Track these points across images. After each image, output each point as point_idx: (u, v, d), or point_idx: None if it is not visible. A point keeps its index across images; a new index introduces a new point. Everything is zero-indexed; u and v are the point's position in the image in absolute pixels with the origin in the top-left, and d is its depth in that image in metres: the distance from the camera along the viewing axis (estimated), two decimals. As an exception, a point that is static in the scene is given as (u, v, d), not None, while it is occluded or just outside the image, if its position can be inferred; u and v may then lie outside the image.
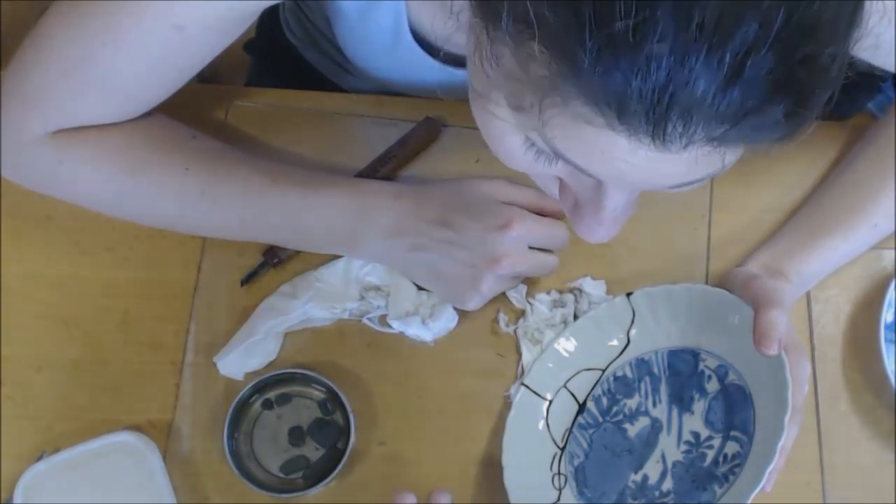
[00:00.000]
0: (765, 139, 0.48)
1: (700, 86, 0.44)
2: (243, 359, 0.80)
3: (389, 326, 0.81)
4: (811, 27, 0.45)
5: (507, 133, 0.55)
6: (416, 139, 0.85)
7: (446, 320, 0.81)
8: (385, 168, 0.84)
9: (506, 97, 0.53)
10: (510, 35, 0.49)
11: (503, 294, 0.81)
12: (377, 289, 0.82)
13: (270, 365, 0.80)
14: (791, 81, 0.46)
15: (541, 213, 0.80)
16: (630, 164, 0.50)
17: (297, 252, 0.82)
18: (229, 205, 0.77)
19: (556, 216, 0.80)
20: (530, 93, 0.50)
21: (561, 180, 0.61)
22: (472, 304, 0.78)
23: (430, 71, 0.79)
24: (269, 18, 1.05)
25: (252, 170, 0.78)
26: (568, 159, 0.53)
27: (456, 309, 0.81)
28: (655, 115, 0.46)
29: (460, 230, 0.76)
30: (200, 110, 0.86)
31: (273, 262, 0.82)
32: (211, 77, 0.84)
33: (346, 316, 0.82)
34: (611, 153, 0.50)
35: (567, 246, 0.80)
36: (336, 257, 0.82)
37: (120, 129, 0.76)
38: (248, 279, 0.82)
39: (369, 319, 0.81)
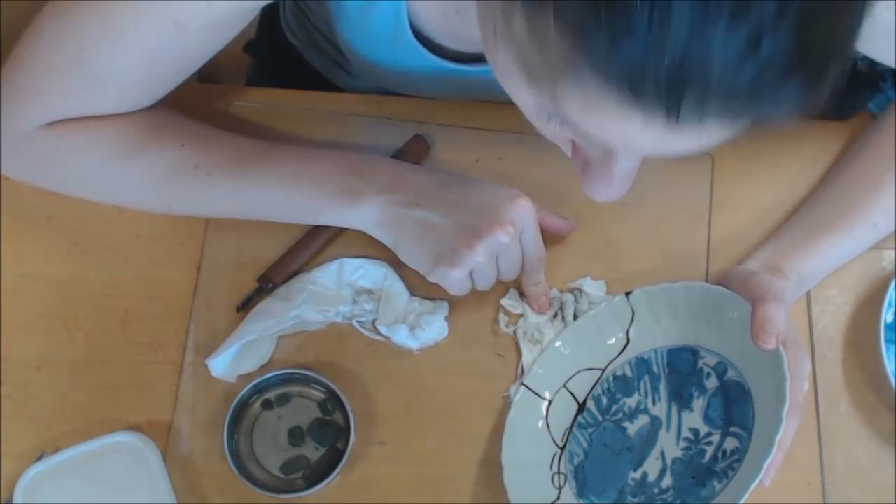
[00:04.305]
0: (779, 115, 0.49)
1: (716, 63, 0.44)
2: (235, 361, 0.79)
3: (378, 332, 0.81)
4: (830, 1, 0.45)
5: (521, 93, 0.56)
6: (407, 158, 0.85)
7: (436, 331, 0.81)
8: None
9: (520, 69, 0.53)
10: (526, 15, 0.49)
11: (502, 294, 0.81)
12: (370, 292, 0.82)
13: (263, 368, 0.80)
14: (808, 56, 0.46)
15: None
16: (643, 139, 0.51)
17: (291, 276, 0.82)
18: (222, 174, 0.76)
19: (554, 231, 0.81)
20: (545, 69, 0.50)
21: (573, 141, 0.62)
22: (459, 272, 0.72)
23: (430, 67, 0.79)
24: (269, 19, 1.05)
25: (248, 142, 0.79)
26: (581, 131, 0.53)
27: (447, 319, 0.81)
28: (670, 94, 0.46)
29: (465, 196, 0.75)
30: (200, 110, 0.86)
31: (268, 288, 0.81)
32: (211, 77, 0.85)
33: (338, 319, 0.81)
34: (624, 129, 0.50)
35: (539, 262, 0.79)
36: (329, 260, 0.82)
37: (114, 117, 0.76)
38: (244, 305, 0.81)
39: (359, 323, 0.81)
